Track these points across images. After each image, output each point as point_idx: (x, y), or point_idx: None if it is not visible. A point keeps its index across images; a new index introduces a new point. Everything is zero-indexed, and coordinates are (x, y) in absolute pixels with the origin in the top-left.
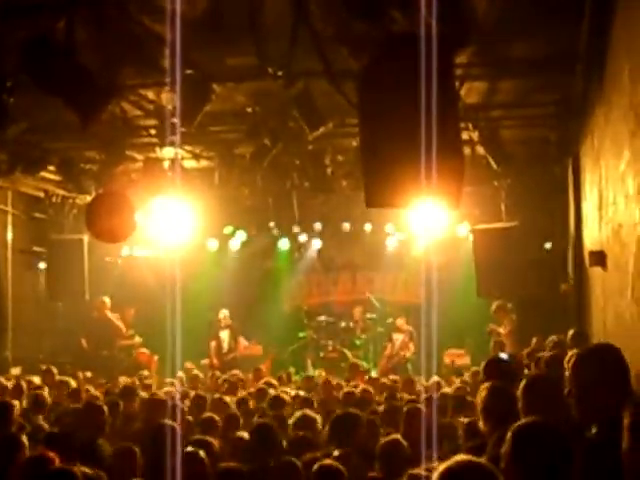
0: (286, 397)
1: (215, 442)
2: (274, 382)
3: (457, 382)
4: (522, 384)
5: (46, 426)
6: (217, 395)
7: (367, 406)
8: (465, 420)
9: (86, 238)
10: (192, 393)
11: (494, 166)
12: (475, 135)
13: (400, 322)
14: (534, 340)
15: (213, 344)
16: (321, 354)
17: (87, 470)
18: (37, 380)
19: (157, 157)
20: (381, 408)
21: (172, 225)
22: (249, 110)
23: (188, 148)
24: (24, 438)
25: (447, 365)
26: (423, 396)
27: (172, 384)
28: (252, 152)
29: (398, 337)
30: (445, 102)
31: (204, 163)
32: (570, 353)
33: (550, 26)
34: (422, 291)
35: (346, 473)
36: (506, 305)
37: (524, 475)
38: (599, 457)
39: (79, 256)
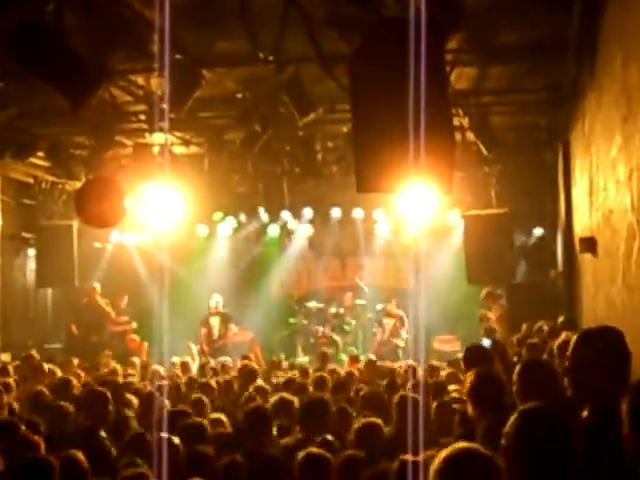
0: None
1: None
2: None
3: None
4: (517, 369)
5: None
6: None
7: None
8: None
9: (75, 224)
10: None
11: (484, 152)
12: (465, 121)
13: (390, 307)
14: (524, 326)
15: (203, 330)
16: (311, 340)
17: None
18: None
19: (147, 143)
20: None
21: (162, 211)
22: (239, 96)
23: (178, 134)
24: None
25: (436, 351)
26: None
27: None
28: (242, 138)
29: (389, 322)
30: (436, 87)
31: (194, 149)
32: (561, 338)
33: (541, 11)
34: (412, 277)
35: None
36: (496, 291)
37: (527, 457)
38: (592, 440)
39: (68, 242)
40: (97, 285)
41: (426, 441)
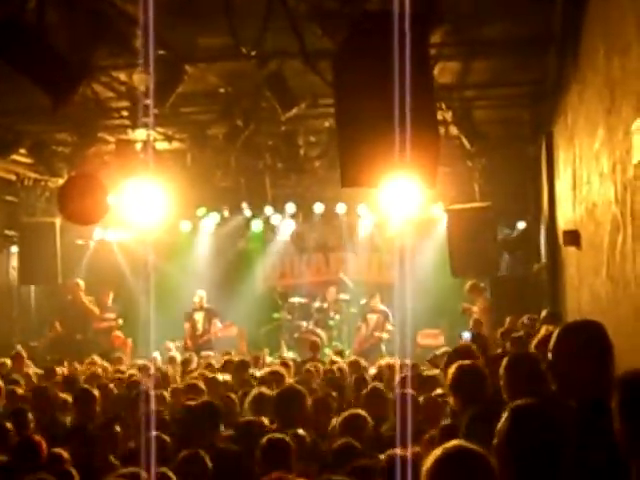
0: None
1: None
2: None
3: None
4: (504, 363)
5: None
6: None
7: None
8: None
9: (58, 221)
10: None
11: (468, 146)
12: (448, 115)
13: (374, 302)
14: (508, 320)
15: (187, 326)
16: (295, 335)
17: None
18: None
19: (129, 139)
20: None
21: (144, 207)
22: (221, 91)
23: (160, 130)
24: None
25: (420, 345)
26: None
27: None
28: (225, 133)
29: (372, 317)
30: (420, 80)
31: (176, 144)
32: (540, 333)
33: (524, 5)
34: (396, 272)
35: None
36: (479, 284)
37: (519, 455)
38: (582, 435)
39: (51, 239)
40: (81, 282)
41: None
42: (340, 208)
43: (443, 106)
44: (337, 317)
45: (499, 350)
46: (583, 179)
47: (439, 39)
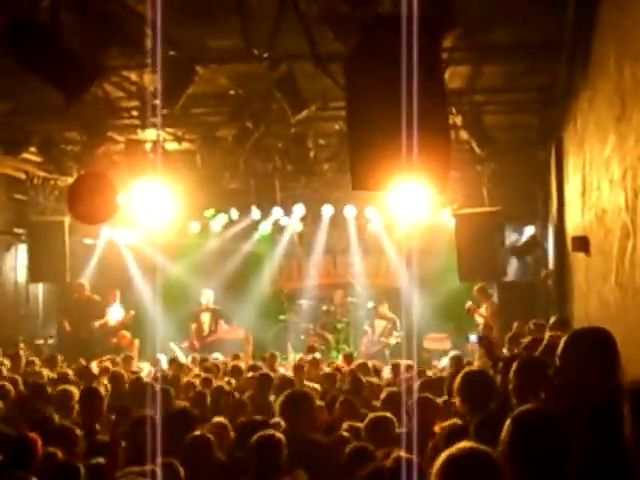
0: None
1: None
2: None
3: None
4: (514, 367)
5: None
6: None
7: None
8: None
9: (67, 220)
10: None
11: (477, 151)
12: (458, 120)
13: (383, 309)
14: (515, 325)
15: (194, 326)
16: (302, 337)
17: None
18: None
19: (139, 139)
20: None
21: (153, 207)
22: (232, 93)
23: (170, 130)
24: None
25: (426, 349)
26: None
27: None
28: (234, 135)
29: (380, 323)
30: (432, 85)
31: (186, 145)
32: (547, 336)
33: (536, 11)
34: (404, 275)
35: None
36: (487, 288)
37: (523, 463)
38: (591, 441)
39: (60, 238)
40: (85, 282)
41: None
42: (349, 211)
43: (453, 110)
44: (344, 320)
45: (507, 354)
46: (593, 185)
47: (450, 43)
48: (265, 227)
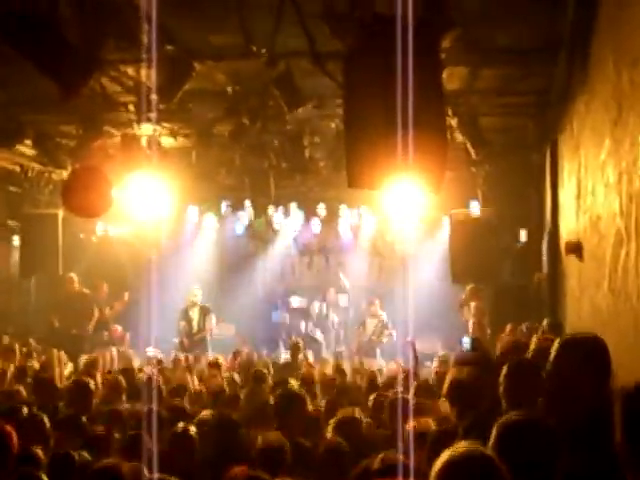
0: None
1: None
2: None
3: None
4: (504, 370)
5: None
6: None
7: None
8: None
9: (61, 213)
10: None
11: (472, 153)
12: (454, 121)
13: (374, 308)
14: (508, 327)
15: (182, 323)
16: (293, 337)
17: None
18: None
19: (135, 134)
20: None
21: (148, 202)
22: (229, 89)
23: (166, 125)
24: None
25: (417, 351)
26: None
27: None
28: (230, 131)
29: (371, 322)
30: (429, 84)
31: (182, 141)
32: (535, 340)
33: (535, 13)
34: (396, 276)
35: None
36: (479, 290)
37: (510, 470)
38: (582, 449)
39: (53, 231)
40: (74, 275)
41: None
42: (342, 210)
43: (449, 112)
44: (336, 320)
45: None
46: (588, 189)
47: (448, 44)
48: (259, 225)
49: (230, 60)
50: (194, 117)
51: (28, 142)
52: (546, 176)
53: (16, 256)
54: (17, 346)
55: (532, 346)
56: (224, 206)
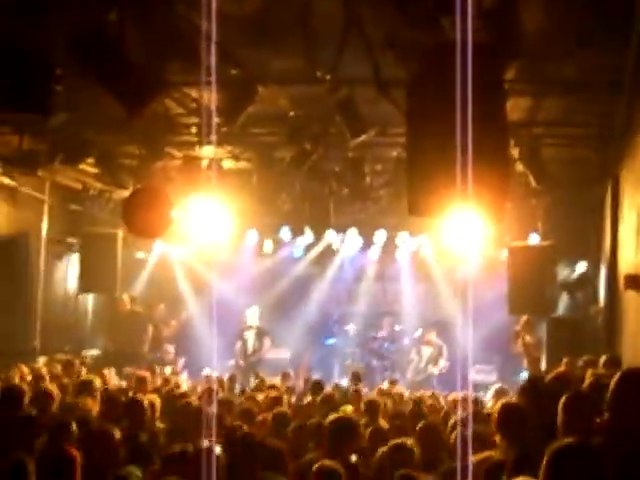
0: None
1: None
2: None
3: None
4: (562, 400)
5: None
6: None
7: None
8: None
9: (121, 233)
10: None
11: (533, 184)
12: (516, 152)
13: (430, 336)
14: (564, 361)
15: (239, 344)
16: (347, 362)
17: None
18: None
19: (196, 155)
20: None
21: (207, 224)
22: (291, 114)
23: (228, 148)
24: None
25: (472, 381)
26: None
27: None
28: (292, 156)
29: (427, 350)
30: (493, 114)
31: (243, 164)
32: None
33: (598, 45)
34: (453, 305)
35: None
36: (532, 323)
37: None
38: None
39: (112, 250)
40: (125, 296)
41: None
42: (401, 238)
43: (511, 142)
44: (392, 348)
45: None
46: None
47: (512, 75)
48: (317, 250)
49: (293, 85)
50: (256, 141)
51: (91, 161)
52: (606, 209)
53: (74, 273)
54: (77, 361)
55: (588, 380)
56: (284, 231)
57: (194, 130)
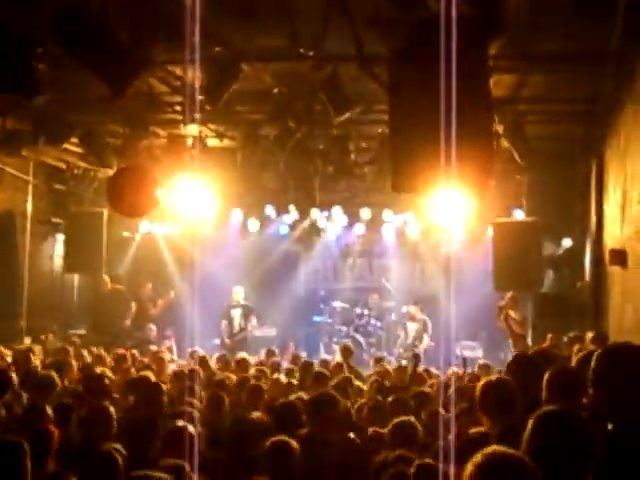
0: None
1: None
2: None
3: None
4: (546, 376)
5: None
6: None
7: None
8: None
9: (106, 212)
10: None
11: (518, 160)
12: (500, 128)
13: (414, 310)
14: (549, 337)
15: (224, 323)
16: (334, 339)
17: None
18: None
19: (180, 134)
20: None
21: (192, 203)
22: (275, 91)
23: (212, 126)
24: None
25: (459, 357)
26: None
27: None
28: (276, 134)
29: (412, 326)
30: (476, 90)
31: (227, 142)
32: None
33: (584, 20)
34: (438, 281)
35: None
36: (518, 299)
37: (542, 460)
38: (621, 445)
39: (98, 230)
40: (106, 276)
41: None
42: (386, 215)
43: (495, 119)
44: (378, 324)
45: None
46: (634, 199)
47: (495, 51)
48: (302, 227)
49: (277, 62)
50: (240, 119)
51: (75, 140)
52: (591, 185)
53: (60, 253)
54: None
55: (575, 356)
56: (268, 209)
57: (178, 108)
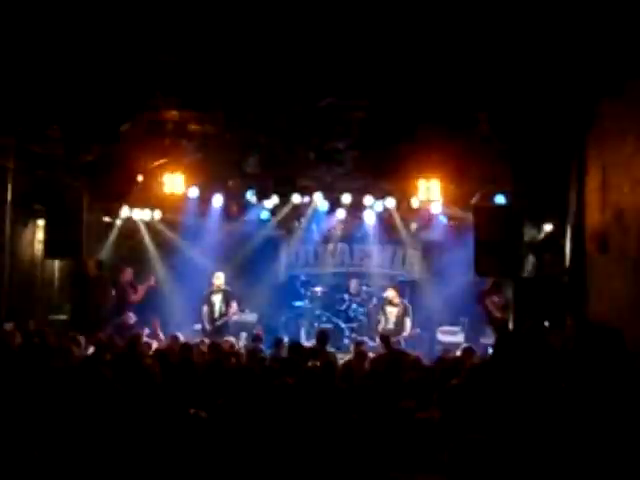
0: None
1: None
2: None
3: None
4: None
5: None
6: None
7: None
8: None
9: (86, 198)
10: None
11: (499, 145)
12: (483, 114)
13: (391, 294)
14: (528, 324)
15: (205, 308)
16: (315, 324)
17: None
18: None
19: (161, 119)
20: None
21: (173, 188)
22: None
23: (193, 111)
24: None
25: (440, 342)
26: None
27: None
28: (257, 118)
29: (392, 310)
30: None
31: (208, 127)
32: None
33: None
34: (419, 267)
35: None
36: (500, 284)
37: None
38: None
39: (78, 215)
40: (91, 261)
41: None
42: (367, 200)
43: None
44: (359, 309)
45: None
46: (614, 184)
47: None
48: (283, 212)
49: None
50: (221, 103)
51: (55, 126)
52: (572, 170)
53: (40, 238)
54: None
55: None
56: (249, 194)
57: (159, 93)
